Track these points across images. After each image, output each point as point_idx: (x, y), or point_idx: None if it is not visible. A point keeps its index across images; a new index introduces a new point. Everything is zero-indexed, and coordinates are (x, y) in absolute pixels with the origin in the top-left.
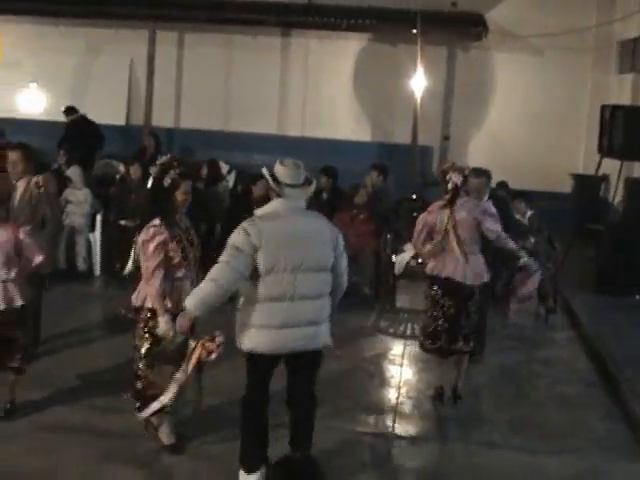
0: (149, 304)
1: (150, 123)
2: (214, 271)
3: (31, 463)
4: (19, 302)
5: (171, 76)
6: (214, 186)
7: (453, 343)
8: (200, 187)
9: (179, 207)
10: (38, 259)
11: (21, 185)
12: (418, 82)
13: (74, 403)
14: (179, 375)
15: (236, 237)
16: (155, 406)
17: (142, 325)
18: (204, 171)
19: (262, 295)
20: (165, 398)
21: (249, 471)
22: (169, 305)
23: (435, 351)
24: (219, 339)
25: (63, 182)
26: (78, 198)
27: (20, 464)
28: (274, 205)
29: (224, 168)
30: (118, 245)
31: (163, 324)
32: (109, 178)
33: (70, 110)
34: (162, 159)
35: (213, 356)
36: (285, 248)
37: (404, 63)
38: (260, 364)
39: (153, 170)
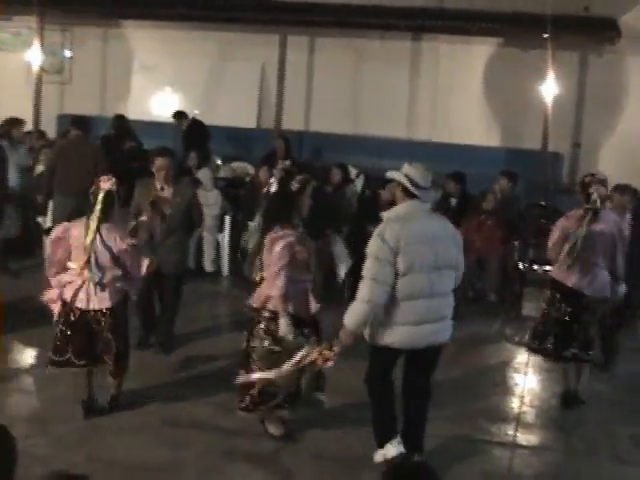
0: (271, 306)
1: (280, 126)
2: (365, 291)
3: (158, 455)
4: (107, 304)
5: (301, 80)
6: (342, 190)
7: (563, 349)
8: (329, 190)
9: (303, 211)
10: (143, 270)
11: (168, 191)
12: (548, 87)
13: (199, 399)
14: (284, 367)
15: (374, 246)
16: (250, 378)
17: (262, 326)
18: (333, 175)
19: (401, 294)
20: (259, 375)
21: (384, 441)
22: (290, 308)
23: (540, 352)
24: (337, 348)
25: (194, 184)
26: (208, 200)
27: (148, 455)
28: (407, 206)
29: (352, 172)
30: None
31: (284, 326)
32: (239, 180)
33: (180, 115)
34: (284, 163)
35: (329, 364)
36: (421, 248)
37: (534, 68)
38: (390, 357)
39: (277, 173)
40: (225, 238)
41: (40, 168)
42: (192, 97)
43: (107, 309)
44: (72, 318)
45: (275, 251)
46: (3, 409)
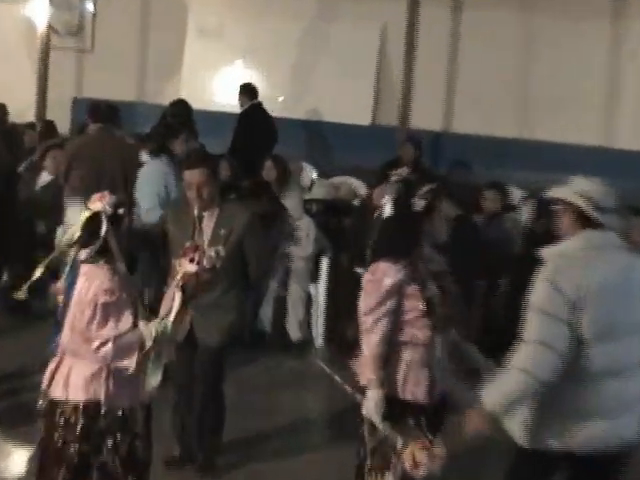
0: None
1: (407, 124)
2: (523, 356)
3: None
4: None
5: (441, 55)
6: (499, 220)
7: None
8: (478, 221)
9: (435, 237)
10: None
11: (209, 219)
12: None
13: None
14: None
15: (541, 296)
16: None
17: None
18: (487, 199)
19: (579, 369)
20: None
21: None
22: (383, 379)
23: None
24: (441, 451)
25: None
26: (297, 232)
27: None
28: (585, 239)
29: (516, 194)
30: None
31: (372, 404)
32: (343, 204)
33: (249, 91)
34: (402, 172)
35: (421, 472)
36: (617, 301)
37: None
38: (547, 467)
39: (391, 188)
40: (321, 291)
41: (45, 178)
42: (274, 77)
43: (85, 404)
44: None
45: (373, 294)
46: None
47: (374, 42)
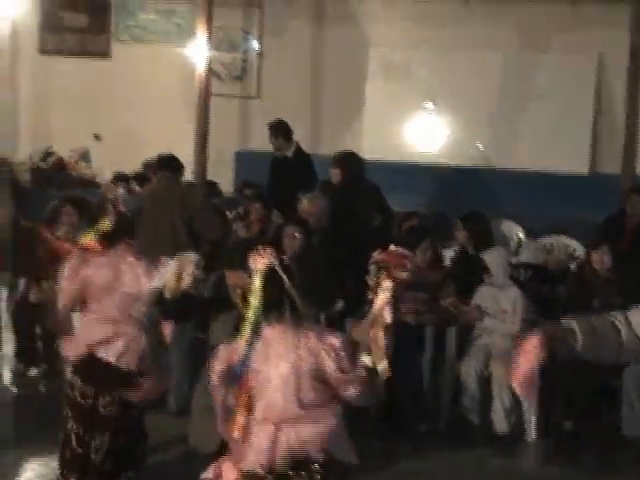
0: None
1: (633, 170)
2: None
3: None
4: None
5: None
6: None
7: None
8: None
9: None
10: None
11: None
12: None
13: None
14: None
15: None
16: None
17: None
18: None
19: None
20: None
21: None
22: None
23: None
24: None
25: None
26: (500, 303)
27: None
28: None
29: None
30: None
31: None
32: (558, 268)
33: (282, 130)
34: None
35: None
36: None
37: None
38: None
39: None
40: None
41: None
42: (466, 117)
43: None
44: None
45: None
46: None
47: (589, 75)
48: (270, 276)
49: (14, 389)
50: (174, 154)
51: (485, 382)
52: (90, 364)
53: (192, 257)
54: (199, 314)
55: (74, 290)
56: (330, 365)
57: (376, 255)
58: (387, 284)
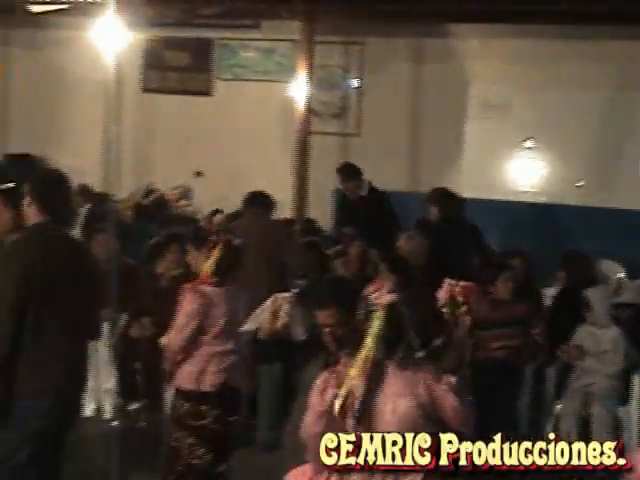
0: None
1: None
2: None
3: None
4: None
5: None
6: None
7: None
8: None
9: None
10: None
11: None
12: None
13: None
14: None
15: None
16: None
17: None
18: None
19: None
20: None
21: None
22: None
23: None
24: None
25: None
26: (600, 344)
27: None
28: None
29: None
30: None
31: None
32: None
33: (352, 173)
34: None
35: None
36: None
37: None
38: None
39: None
40: (634, 416)
41: None
42: (566, 155)
43: None
44: None
45: None
46: None
47: None
48: (391, 312)
49: (115, 422)
50: (265, 191)
51: (584, 423)
52: (223, 392)
53: (288, 296)
54: (291, 357)
55: (195, 323)
56: (451, 403)
57: (455, 288)
58: (467, 319)
